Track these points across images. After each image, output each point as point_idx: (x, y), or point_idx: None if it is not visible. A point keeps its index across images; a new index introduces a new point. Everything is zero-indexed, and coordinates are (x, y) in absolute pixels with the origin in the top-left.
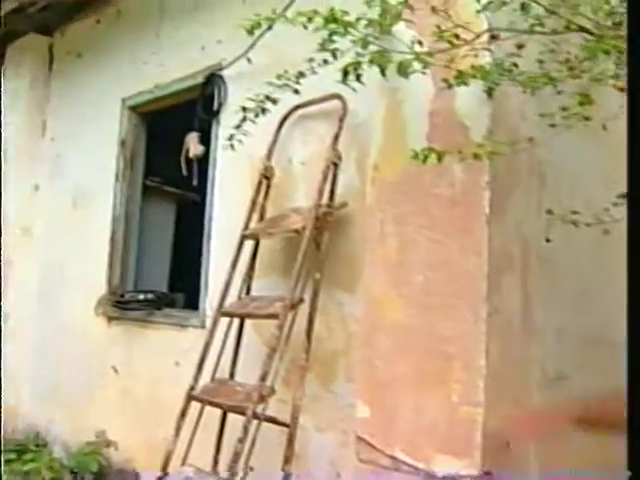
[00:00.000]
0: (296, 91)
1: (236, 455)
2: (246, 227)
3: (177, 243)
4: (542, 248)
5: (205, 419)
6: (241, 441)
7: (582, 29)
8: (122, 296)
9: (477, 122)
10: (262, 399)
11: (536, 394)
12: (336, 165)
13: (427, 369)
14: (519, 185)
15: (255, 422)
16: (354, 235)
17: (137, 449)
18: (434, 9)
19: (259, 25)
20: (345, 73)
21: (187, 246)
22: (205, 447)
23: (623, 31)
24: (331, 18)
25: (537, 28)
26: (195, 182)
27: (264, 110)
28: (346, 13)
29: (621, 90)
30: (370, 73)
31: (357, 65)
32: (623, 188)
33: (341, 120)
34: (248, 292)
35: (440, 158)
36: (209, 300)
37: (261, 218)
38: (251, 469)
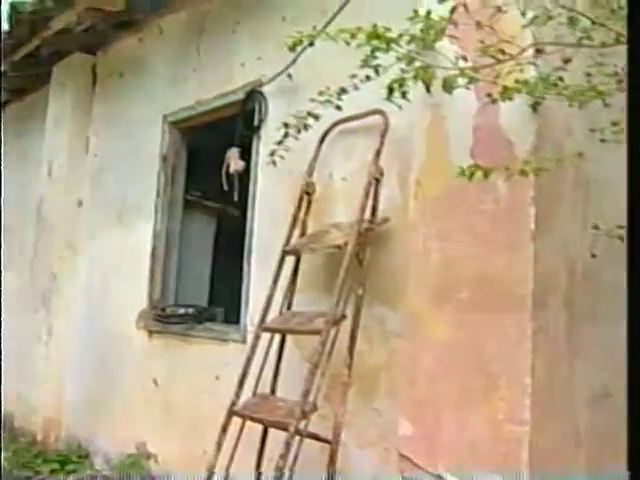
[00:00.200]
0: (338, 107)
1: (278, 471)
2: (287, 243)
3: (217, 257)
4: (588, 264)
5: (246, 434)
6: (283, 457)
7: None
8: (163, 310)
9: (522, 137)
10: (304, 415)
11: (582, 412)
12: (378, 181)
13: (471, 386)
14: (564, 200)
15: (297, 438)
16: (396, 251)
17: (177, 462)
18: (479, 24)
19: (301, 42)
20: (390, 90)
21: (227, 260)
22: (246, 462)
23: None
24: (374, 34)
25: (585, 41)
26: (236, 197)
27: (306, 126)
28: (389, 29)
29: None
30: (411, 88)
31: (402, 81)
32: None
33: (382, 135)
34: (289, 307)
35: (487, 175)
36: (250, 315)
37: (302, 234)
38: None
